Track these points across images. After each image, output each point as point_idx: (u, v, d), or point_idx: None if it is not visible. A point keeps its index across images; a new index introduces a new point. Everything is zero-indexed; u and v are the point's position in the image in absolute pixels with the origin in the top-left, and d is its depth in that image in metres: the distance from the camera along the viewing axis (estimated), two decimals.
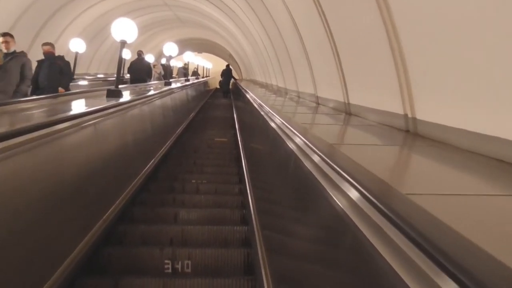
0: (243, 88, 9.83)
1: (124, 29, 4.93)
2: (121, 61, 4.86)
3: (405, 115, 2.55)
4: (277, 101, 6.20)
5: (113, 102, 3.98)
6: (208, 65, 25.38)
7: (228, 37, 17.37)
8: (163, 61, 21.39)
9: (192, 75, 18.00)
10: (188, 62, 13.62)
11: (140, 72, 9.44)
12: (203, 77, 20.30)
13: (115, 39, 4.97)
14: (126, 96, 4.86)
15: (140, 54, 10.01)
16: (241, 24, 11.05)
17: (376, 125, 2.88)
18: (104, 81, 12.04)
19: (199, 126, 9.68)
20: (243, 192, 4.47)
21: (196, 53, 25.09)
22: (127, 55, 12.87)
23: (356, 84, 3.51)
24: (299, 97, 6.29)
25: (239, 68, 27.06)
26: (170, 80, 11.25)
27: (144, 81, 9.31)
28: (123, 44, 4.93)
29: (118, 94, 4.64)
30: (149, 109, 5.30)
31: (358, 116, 3.48)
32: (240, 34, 12.76)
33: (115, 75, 5.07)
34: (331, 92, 4.30)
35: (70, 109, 3.27)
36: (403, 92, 2.53)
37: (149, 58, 15.67)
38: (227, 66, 20.10)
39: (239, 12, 9.63)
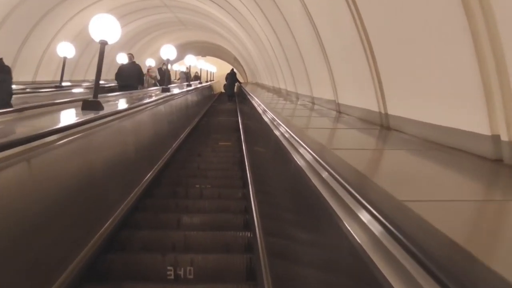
0: (248, 94, 8.98)
1: (104, 27, 4.12)
2: (100, 66, 4.04)
3: (494, 137, 1.69)
4: (287, 109, 5.35)
5: (86, 117, 3.16)
6: (212, 69, 24.60)
7: (232, 39, 16.57)
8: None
9: (193, 80, 17.12)
10: (190, 66, 12.79)
11: (129, 78, 8.52)
12: (206, 82, 19.51)
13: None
14: (108, 107, 4.04)
15: (130, 57, 9.14)
16: (244, 23, 10.22)
17: (443, 149, 2.00)
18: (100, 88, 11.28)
19: (201, 134, 8.86)
20: (246, 197, 4.35)
21: (199, 56, 24.37)
22: (124, 60, 12.05)
23: (400, 87, 2.64)
24: (313, 103, 5.43)
25: (244, 71, 26.26)
26: (169, 86, 10.54)
27: (135, 88, 8.39)
28: (103, 45, 4.11)
29: (96, 106, 3.81)
30: (139, 122, 4.48)
31: (401, 131, 2.61)
32: (244, 34, 11.93)
33: (107, 82, 4.39)
34: (359, 98, 3.43)
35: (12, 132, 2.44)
36: (491, 100, 1.66)
37: (150, 63, 14.91)
38: (232, 70, 19.49)
39: (242, 8, 8.80)
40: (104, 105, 4.12)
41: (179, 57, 16.53)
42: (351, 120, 3.44)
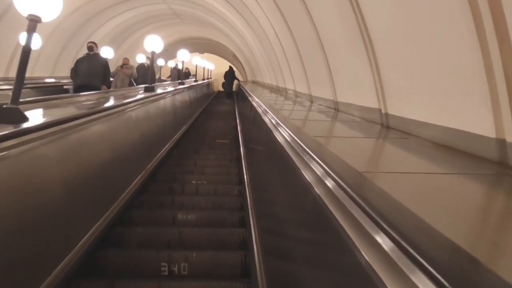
0: (249, 94, 7.60)
1: None
2: (26, 57, 2.66)
3: None
4: (296, 119, 3.98)
5: None
6: (210, 66, 23.18)
7: (231, 33, 15.18)
8: (169, 63, 18.93)
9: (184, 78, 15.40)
10: (183, 61, 11.38)
11: (90, 75, 6.67)
12: (203, 79, 18.09)
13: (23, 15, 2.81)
14: (39, 118, 2.67)
15: (92, 47, 7.17)
16: (247, 14, 8.84)
17: None
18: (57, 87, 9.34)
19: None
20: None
21: (197, 53, 22.97)
22: (109, 54, 10.57)
23: None
24: (337, 109, 4.05)
25: (244, 69, 24.87)
26: (158, 83, 9.14)
27: (96, 88, 6.53)
28: (33, 23, 2.74)
29: (14, 116, 2.44)
30: (86, 138, 3.07)
31: None
32: (246, 27, 10.54)
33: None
34: (439, 112, 2.06)
35: None
36: None
37: (141, 59, 13.45)
38: (230, 67, 18.30)
39: None
40: (33, 112, 2.77)
41: (175, 54, 15.10)
42: (416, 145, 2.07)
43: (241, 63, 24.11)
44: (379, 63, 2.74)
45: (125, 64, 8.94)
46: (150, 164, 4.77)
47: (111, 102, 3.95)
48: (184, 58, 10.63)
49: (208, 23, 16.58)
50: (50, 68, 12.97)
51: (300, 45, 5.33)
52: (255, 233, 2.93)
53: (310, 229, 1.57)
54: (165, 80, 15.03)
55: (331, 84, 4.14)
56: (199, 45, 25.12)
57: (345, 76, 3.79)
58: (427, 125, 2.18)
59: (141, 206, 3.96)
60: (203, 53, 25.90)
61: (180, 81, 10.71)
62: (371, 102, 3.02)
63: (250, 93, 7.44)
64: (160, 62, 17.63)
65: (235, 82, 18.20)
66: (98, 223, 2.92)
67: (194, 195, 4.47)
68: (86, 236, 2.70)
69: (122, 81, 8.34)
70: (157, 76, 14.62)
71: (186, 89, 9.44)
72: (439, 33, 1.86)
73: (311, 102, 5.28)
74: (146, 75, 7.48)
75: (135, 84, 8.61)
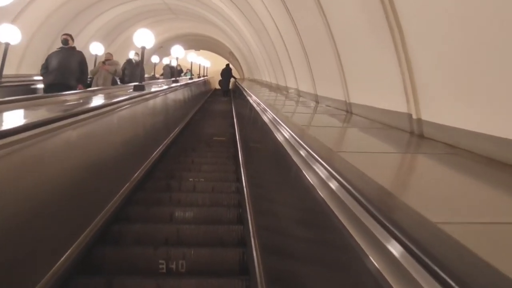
0: (247, 93, 7.08)
1: None
2: None
3: None
4: (302, 125, 3.47)
5: None
6: (206, 64, 22.62)
7: (228, 29, 14.63)
8: (165, 61, 18.20)
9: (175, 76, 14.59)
10: (177, 58, 10.83)
11: (63, 72, 5.84)
12: (199, 77, 17.53)
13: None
14: None
15: (66, 40, 6.20)
16: (245, 7, 8.31)
17: None
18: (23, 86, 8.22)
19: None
20: None
21: (192, 50, 22.39)
22: (98, 50, 10.00)
23: None
24: (349, 111, 3.53)
25: (241, 66, 24.32)
26: (150, 82, 8.61)
27: (72, 88, 5.76)
28: None
29: None
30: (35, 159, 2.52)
31: None
32: (244, 22, 10.00)
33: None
34: (497, 114, 1.55)
35: None
36: None
37: (133, 56, 12.85)
38: (227, 65, 17.85)
39: None
40: None
41: (170, 51, 14.50)
42: (488, 168, 1.56)
43: (238, 61, 23.57)
44: (410, 54, 2.22)
45: (107, 60, 7.98)
46: (146, 163, 4.38)
47: (92, 103, 3.42)
48: (179, 54, 10.07)
49: (204, 18, 16.03)
50: (38, 65, 12.41)
51: (305, 37, 4.80)
52: (253, 230, 2.89)
53: (309, 227, 1.53)
54: (158, 78, 14.45)
55: (342, 82, 3.62)
56: (195, 42, 24.55)
57: (360, 72, 3.27)
58: (484, 136, 1.66)
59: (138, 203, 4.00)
60: (199, 50, 25.36)
61: (174, 79, 10.18)
62: (396, 104, 2.51)
63: (248, 91, 6.95)
64: (154, 59, 17.04)
65: (232, 80, 17.76)
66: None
67: (191, 191, 4.51)
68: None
69: (105, 79, 7.54)
70: (151, 74, 14.02)
71: (181, 87, 8.90)
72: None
73: (317, 102, 4.76)
74: (135, 73, 6.90)
75: (119, 82, 7.93)
